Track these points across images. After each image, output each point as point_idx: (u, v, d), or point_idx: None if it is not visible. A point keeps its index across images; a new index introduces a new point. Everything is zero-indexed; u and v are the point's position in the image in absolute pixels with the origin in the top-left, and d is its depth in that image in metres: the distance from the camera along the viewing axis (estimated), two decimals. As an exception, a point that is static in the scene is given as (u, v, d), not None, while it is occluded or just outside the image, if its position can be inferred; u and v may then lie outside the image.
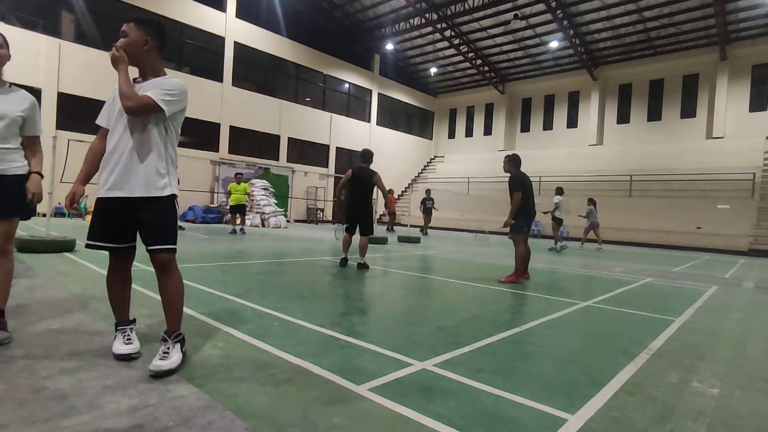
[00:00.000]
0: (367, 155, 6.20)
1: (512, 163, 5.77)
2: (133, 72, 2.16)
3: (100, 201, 2.18)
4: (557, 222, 11.62)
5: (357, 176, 6.02)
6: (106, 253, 2.24)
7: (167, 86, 2.14)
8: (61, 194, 16.17)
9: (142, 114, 2.10)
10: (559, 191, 11.58)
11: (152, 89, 2.10)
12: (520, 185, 5.59)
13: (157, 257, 2.15)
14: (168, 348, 2.09)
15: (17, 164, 2.43)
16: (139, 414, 1.63)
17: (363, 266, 5.95)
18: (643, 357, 2.70)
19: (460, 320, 3.43)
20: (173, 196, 2.24)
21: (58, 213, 13.85)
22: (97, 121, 2.27)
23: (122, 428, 1.52)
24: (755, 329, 3.73)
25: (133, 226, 2.20)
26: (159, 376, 1.97)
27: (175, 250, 2.20)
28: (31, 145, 2.51)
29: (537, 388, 2.10)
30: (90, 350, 2.27)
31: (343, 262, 6.11)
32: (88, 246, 2.18)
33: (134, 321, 2.39)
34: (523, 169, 5.93)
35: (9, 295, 2.48)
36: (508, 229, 5.75)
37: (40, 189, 2.45)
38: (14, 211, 2.43)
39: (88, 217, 13.22)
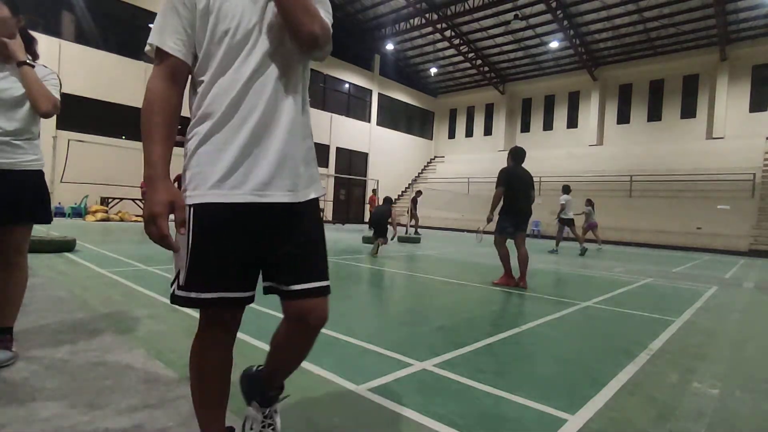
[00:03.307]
0: (388, 199, 8.89)
1: (509, 156, 5.46)
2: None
3: (212, 211, 1.10)
4: (565, 223, 11.04)
5: (379, 212, 8.39)
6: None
7: (326, 3, 1.25)
8: (61, 194, 16.09)
9: (315, 48, 1.19)
10: (565, 190, 11.10)
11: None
12: (503, 181, 5.18)
13: (308, 303, 1.18)
14: (270, 416, 1.38)
15: (29, 158, 2.05)
16: (139, 414, 1.63)
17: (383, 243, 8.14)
18: (643, 357, 2.70)
19: (460, 320, 3.43)
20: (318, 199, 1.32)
21: (58, 213, 13.86)
22: (161, 44, 1.09)
23: (122, 428, 1.52)
24: (755, 329, 3.73)
25: (260, 259, 1.18)
26: None
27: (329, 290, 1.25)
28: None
29: (537, 389, 2.10)
30: (89, 350, 2.27)
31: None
32: (180, 301, 1.11)
33: None
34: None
35: (18, 311, 2.17)
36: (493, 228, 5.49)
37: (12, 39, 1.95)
38: (23, 214, 2.03)
39: (89, 217, 13.37)
